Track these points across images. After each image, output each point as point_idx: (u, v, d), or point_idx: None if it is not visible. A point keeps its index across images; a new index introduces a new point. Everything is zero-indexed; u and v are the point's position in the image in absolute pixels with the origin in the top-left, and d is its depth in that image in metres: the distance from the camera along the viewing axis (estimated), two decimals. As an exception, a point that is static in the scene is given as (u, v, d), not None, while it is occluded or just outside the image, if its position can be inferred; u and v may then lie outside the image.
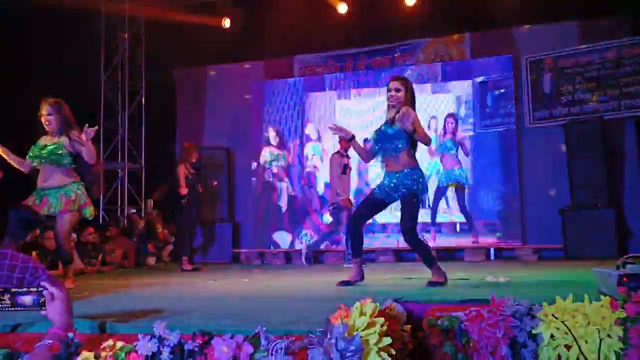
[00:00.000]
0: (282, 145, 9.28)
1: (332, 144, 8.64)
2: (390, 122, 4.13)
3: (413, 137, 4.08)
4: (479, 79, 8.49)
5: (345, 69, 9.22)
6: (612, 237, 6.71)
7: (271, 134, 9.29)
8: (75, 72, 8.31)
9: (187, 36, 8.94)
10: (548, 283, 3.97)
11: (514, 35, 8.43)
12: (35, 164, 4.55)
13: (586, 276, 3.77)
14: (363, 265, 4.32)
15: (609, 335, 1.88)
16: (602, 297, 2.02)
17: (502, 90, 8.35)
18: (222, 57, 9.49)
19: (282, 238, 9.15)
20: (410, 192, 4.00)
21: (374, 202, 4.19)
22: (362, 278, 4.20)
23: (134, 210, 9.75)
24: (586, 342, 1.91)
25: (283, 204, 9.22)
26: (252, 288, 4.46)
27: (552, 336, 1.93)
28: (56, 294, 1.80)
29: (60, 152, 4.50)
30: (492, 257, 8.04)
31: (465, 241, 8.20)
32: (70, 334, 1.75)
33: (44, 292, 1.82)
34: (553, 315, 1.97)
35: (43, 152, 4.50)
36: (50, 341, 1.71)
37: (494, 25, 8.40)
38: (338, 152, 7.16)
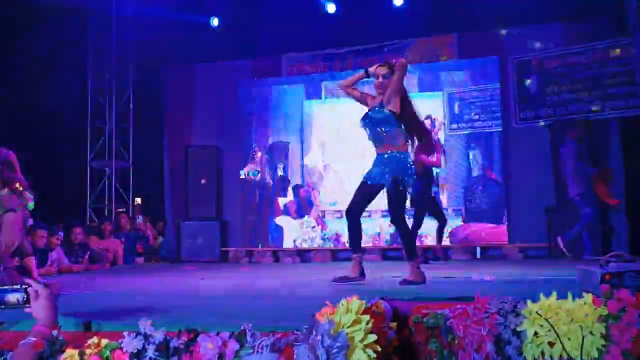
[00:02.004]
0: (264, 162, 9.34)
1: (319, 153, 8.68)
2: (378, 107, 4.09)
3: (402, 121, 4.05)
4: (466, 79, 8.54)
5: (334, 68, 9.23)
6: (597, 236, 6.79)
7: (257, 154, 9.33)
8: (63, 69, 8.25)
9: (176, 34, 8.90)
10: (532, 281, 4.01)
11: (501, 36, 8.48)
12: None
13: (570, 274, 3.81)
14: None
15: (591, 333, 1.90)
16: (585, 294, 2.04)
17: (488, 91, 8.41)
18: (210, 56, 9.46)
19: (287, 223, 9.14)
20: (394, 178, 3.94)
21: (365, 191, 4.10)
22: (363, 275, 4.06)
23: (123, 210, 9.69)
24: (569, 339, 1.93)
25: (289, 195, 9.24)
26: (239, 286, 4.45)
27: (535, 333, 1.95)
28: (41, 292, 1.80)
29: None
30: (479, 256, 8.10)
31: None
32: (55, 332, 1.75)
33: (29, 290, 1.81)
34: (537, 312, 1.99)
35: None
36: (34, 339, 1.70)
37: (481, 26, 8.45)
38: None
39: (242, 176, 9.38)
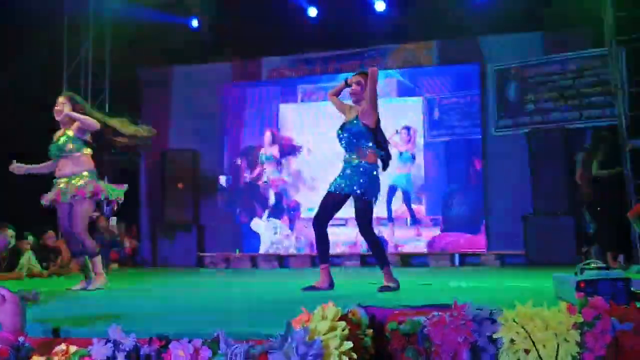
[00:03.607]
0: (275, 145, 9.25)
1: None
2: (354, 120, 4.12)
3: (375, 137, 4.09)
4: (445, 86, 8.61)
5: (314, 72, 9.23)
6: (572, 244, 6.87)
7: (267, 136, 9.23)
8: (36, 70, 8.09)
9: (154, 35, 8.80)
10: (509, 289, 4.03)
11: (481, 44, 8.57)
12: (53, 161, 4.60)
13: (546, 282, 3.84)
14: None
15: (566, 340, 1.91)
16: (560, 302, 2.05)
17: (467, 99, 8.48)
18: (189, 58, 9.38)
19: (260, 227, 9.09)
20: (362, 190, 3.96)
21: (332, 200, 4.09)
22: (332, 286, 4.01)
23: (98, 214, 9.54)
24: (544, 346, 1.94)
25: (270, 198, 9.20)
26: (214, 292, 4.40)
27: (512, 340, 1.95)
28: (7, 297, 1.74)
29: (68, 144, 4.52)
30: (457, 263, 8.14)
31: (411, 232, 8.50)
32: (21, 338, 1.69)
33: (-6, 295, 1.75)
34: (513, 320, 1.99)
35: (52, 147, 4.58)
36: (-1, 345, 1.65)
37: (461, 33, 8.53)
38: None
39: (247, 180, 9.29)
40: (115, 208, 4.72)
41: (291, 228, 8.99)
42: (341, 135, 4.16)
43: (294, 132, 9.16)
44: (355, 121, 4.11)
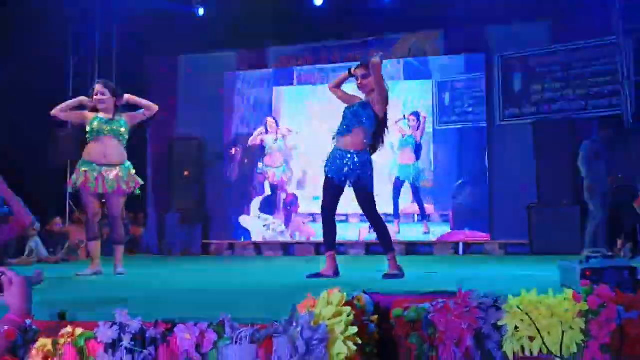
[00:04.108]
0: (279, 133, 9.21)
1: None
2: (366, 102, 4.11)
3: (378, 127, 4.10)
4: (451, 76, 8.56)
5: (320, 62, 9.20)
6: (577, 234, 6.85)
7: (270, 124, 9.19)
8: (43, 59, 8.10)
9: (160, 24, 8.78)
10: (514, 277, 4.03)
11: (487, 33, 8.51)
12: (94, 136, 4.59)
13: (550, 271, 3.84)
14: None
15: (571, 327, 1.91)
16: (565, 290, 2.05)
17: (473, 88, 8.44)
18: (195, 47, 9.35)
19: (251, 224, 9.08)
20: (358, 181, 3.98)
21: (334, 188, 4.09)
22: (337, 273, 4.02)
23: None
24: (549, 333, 1.94)
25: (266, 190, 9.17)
26: (220, 278, 4.42)
27: (516, 328, 1.95)
28: (14, 280, 1.75)
29: (123, 129, 4.62)
30: (461, 252, 8.14)
31: (418, 230, 8.41)
32: (28, 321, 1.71)
33: (2, 277, 1.76)
34: (518, 307, 1.99)
35: (107, 125, 4.57)
36: (6, 327, 1.66)
37: (468, 22, 8.46)
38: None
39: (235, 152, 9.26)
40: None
41: (287, 224, 8.98)
42: (348, 112, 4.14)
43: (298, 122, 9.12)
44: (364, 104, 4.11)
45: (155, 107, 4.82)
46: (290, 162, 9.11)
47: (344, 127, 4.12)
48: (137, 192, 4.76)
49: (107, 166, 4.56)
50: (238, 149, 9.32)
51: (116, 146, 4.62)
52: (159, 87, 9.71)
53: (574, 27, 7.92)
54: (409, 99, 8.67)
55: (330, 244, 4.12)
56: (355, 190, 4.05)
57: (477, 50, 8.47)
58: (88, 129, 4.63)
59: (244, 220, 9.09)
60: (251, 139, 9.23)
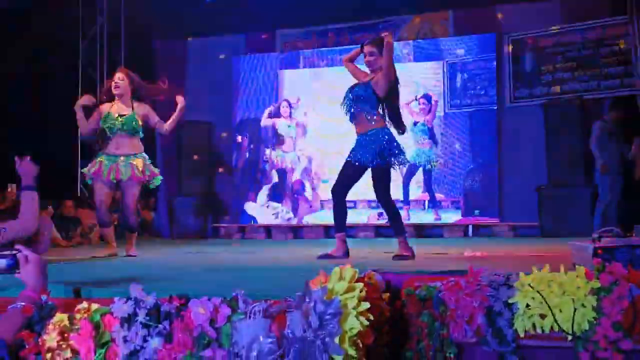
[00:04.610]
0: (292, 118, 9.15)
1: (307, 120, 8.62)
2: (365, 85, 4.11)
3: (383, 106, 4.09)
4: (461, 57, 8.49)
5: (328, 44, 9.14)
6: (587, 216, 6.82)
7: (283, 107, 9.12)
8: (52, 41, 8.11)
9: (169, 8, 8.75)
10: (524, 257, 4.03)
11: (497, 13, 8.42)
12: (108, 133, 4.66)
13: (561, 251, 3.83)
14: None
15: (583, 305, 1.91)
16: (577, 267, 2.04)
17: (482, 69, 8.37)
18: (203, 30, 9.33)
19: (257, 211, 9.11)
20: (380, 158, 3.97)
21: (350, 171, 4.10)
22: (347, 254, 4.05)
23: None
24: (560, 311, 1.94)
25: (274, 177, 9.16)
26: (231, 259, 4.45)
27: (527, 305, 1.95)
28: (30, 257, 1.78)
29: (135, 123, 4.66)
30: (470, 234, 8.13)
31: (428, 217, 8.36)
32: (44, 297, 1.73)
33: (18, 255, 1.79)
34: (529, 285, 1.99)
35: (118, 121, 4.61)
36: (23, 303, 1.69)
37: (477, 3, 8.37)
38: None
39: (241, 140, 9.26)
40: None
41: (294, 211, 8.98)
42: (347, 98, 4.16)
43: (307, 106, 9.09)
44: (365, 85, 4.11)
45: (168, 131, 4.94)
46: (299, 147, 9.08)
47: (348, 113, 4.15)
48: (156, 182, 4.83)
49: (122, 156, 4.63)
50: (245, 134, 9.31)
51: (129, 139, 4.69)
52: (168, 71, 9.71)
53: (584, 7, 7.82)
54: (421, 81, 8.60)
55: (340, 225, 4.15)
56: (373, 172, 4.05)
57: (487, 31, 8.39)
58: (101, 126, 4.69)
59: (248, 207, 9.11)
60: (262, 120, 9.19)
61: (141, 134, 4.79)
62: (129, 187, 4.66)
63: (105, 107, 4.75)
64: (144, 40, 9.44)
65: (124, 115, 4.65)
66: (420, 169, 8.41)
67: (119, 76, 4.74)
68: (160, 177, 4.90)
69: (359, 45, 4.28)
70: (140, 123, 4.73)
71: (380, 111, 4.12)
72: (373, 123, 4.06)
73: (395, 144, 4.06)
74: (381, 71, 4.07)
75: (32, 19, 7.72)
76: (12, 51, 7.58)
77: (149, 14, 8.77)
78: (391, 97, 4.15)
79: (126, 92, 4.73)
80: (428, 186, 8.40)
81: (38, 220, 2.60)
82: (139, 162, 4.67)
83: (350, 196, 4.30)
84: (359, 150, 4.06)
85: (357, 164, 4.06)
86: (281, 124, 9.08)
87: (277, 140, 9.11)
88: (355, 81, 4.30)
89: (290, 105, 9.06)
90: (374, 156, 3.98)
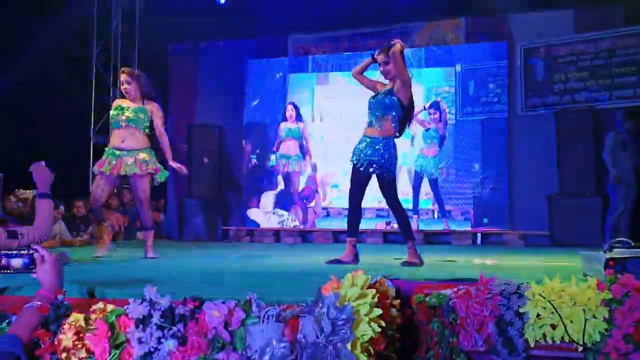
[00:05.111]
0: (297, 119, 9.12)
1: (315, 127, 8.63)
2: (387, 91, 4.11)
3: (404, 113, 4.09)
4: (471, 65, 8.48)
5: (340, 50, 9.17)
6: (598, 225, 6.78)
7: (289, 111, 9.10)
8: (67, 44, 8.19)
9: (182, 11, 8.81)
10: (534, 266, 4.01)
11: (510, 22, 8.41)
12: (113, 125, 4.70)
13: (572, 261, 3.82)
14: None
15: (594, 316, 1.90)
16: (589, 278, 2.04)
17: (495, 77, 8.35)
18: (216, 34, 9.39)
19: (260, 216, 9.12)
20: (384, 171, 3.98)
21: (360, 177, 4.09)
22: (356, 260, 4.05)
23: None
24: (572, 321, 1.93)
25: (280, 184, 9.17)
26: (243, 264, 4.46)
27: (538, 315, 1.95)
28: (47, 257, 1.80)
29: (142, 115, 4.64)
30: (479, 242, 8.10)
31: (438, 228, 8.32)
32: (60, 296, 1.75)
33: (35, 255, 1.81)
34: (540, 294, 1.99)
35: (123, 114, 4.62)
36: (39, 303, 1.71)
37: (490, 11, 8.36)
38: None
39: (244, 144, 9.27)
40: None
41: (303, 219, 8.96)
42: (372, 104, 4.14)
43: (318, 111, 9.11)
44: (388, 93, 4.10)
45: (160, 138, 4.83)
46: (306, 151, 9.08)
47: (372, 117, 4.12)
48: (161, 178, 4.77)
49: (127, 151, 4.61)
50: (252, 139, 9.33)
51: (133, 133, 4.65)
52: (181, 74, 9.79)
53: (597, 16, 7.80)
54: (433, 88, 8.60)
55: (352, 230, 4.15)
56: (380, 179, 4.06)
57: (499, 39, 8.38)
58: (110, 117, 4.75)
59: (251, 212, 9.12)
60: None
61: (147, 129, 4.74)
62: (137, 181, 4.63)
63: (117, 101, 4.84)
64: (157, 44, 9.51)
65: (131, 107, 4.67)
66: (425, 179, 8.37)
67: (126, 79, 4.73)
68: (167, 173, 4.86)
69: (370, 55, 4.25)
70: (148, 116, 4.71)
71: (399, 119, 4.11)
72: (389, 131, 4.07)
73: (396, 157, 4.09)
74: (397, 79, 4.08)
75: (48, 21, 7.80)
76: (26, 54, 7.66)
77: (161, 18, 8.83)
78: (412, 106, 4.15)
79: (137, 93, 4.74)
80: (436, 196, 8.35)
81: (51, 225, 2.62)
82: (144, 156, 4.64)
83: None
84: (366, 155, 4.04)
85: (361, 169, 4.05)
86: (286, 128, 9.08)
87: (281, 144, 9.10)
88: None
89: (296, 108, 9.04)
90: (380, 165, 3.99)
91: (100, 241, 4.79)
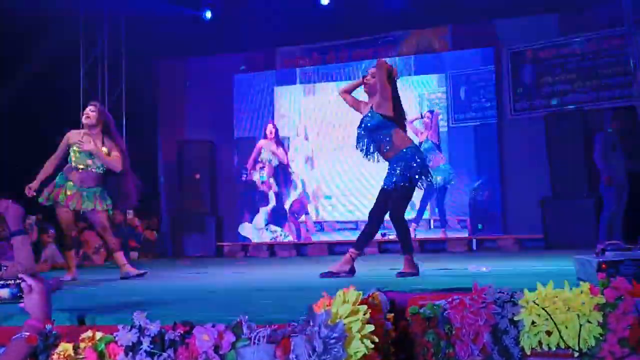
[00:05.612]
0: (278, 142, 9.17)
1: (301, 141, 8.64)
2: (370, 113, 4.10)
3: (397, 122, 4.08)
4: (460, 71, 8.52)
5: (328, 61, 9.19)
6: (592, 227, 6.79)
7: (269, 129, 9.16)
8: (53, 63, 8.16)
9: (169, 28, 8.83)
10: (529, 272, 4.01)
11: (496, 27, 8.47)
12: (74, 166, 4.79)
13: (566, 264, 3.81)
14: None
15: (588, 321, 1.90)
16: (582, 283, 2.04)
17: (483, 82, 8.40)
18: (204, 49, 9.40)
19: (252, 232, 9.11)
20: (402, 179, 3.95)
21: (382, 196, 4.10)
22: (353, 272, 4.03)
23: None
24: (566, 327, 1.93)
25: (271, 200, 9.17)
26: (235, 280, 4.44)
27: (533, 322, 1.94)
28: (34, 286, 1.78)
29: (99, 167, 4.80)
30: (475, 248, 8.10)
31: (435, 237, 8.32)
32: (49, 326, 1.73)
33: (22, 284, 1.79)
34: (534, 302, 1.98)
35: (82, 163, 4.75)
36: (27, 333, 1.68)
37: (475, 17, 8.42)
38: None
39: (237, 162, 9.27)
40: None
41: (296, 234, 8.95)
42: (362, 133, 4.13)
43: (306, 123, 9.11)
44: (370, 114, 4.09)
45: (116, 168, 4.89)
46: (292, 167, 9.08)
47: (372, 144, 4.11)
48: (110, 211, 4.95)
49: (83, 188, 4.77)
50: (243, 153, 9.33)
51: (92, 175, 4.80)
52: (169, 91, 9.78)
53: (582, 19, 7.87)
54: (425, 94, 8.63)
55: (360, 244, 4.13)
56: (395, 192, 4.01)
57: (486, 45, 8.43)
58: (69, 154, 4.82)
59: (243, 228, 9.10)
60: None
61: (102, 170, 4.85)
62: (93, 216, 4.83)
63: (74, 136, 4.84)
64: (144, 61, 9.50)
65: (91, 155, 4.75)
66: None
67: (90, 108, 4.87)
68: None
69: (362, 76, 4.25)
70: (98, 162, 4.81)
71: (399, 128, 4.10)
72: (398, 145, 4.04)
73: (422, 162, 4.05)
74: (378, 93, 4.08)
75: (33, 42, 7.78)
76: (13, 76, 7.63)
77: (148, 34, 8.84)
78: (400, 115, 4.14)
79: (96, 124, 4.82)
80: (440, 205, 8.33)
81: (32, 260, 2.59)
82: (102, 195, 4.83)
83: (352, 217, 4.30)
84: (392, 175, 4.02)
85: (384, 187, 4.05)
86: (266, 153, 9.11)
87: (262, 163, 9.13)
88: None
89: (276, 128, 9.10)
90: (402, 177, 3.96)
91: (71, 268, 4.88)
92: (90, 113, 4.81)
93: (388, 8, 8.72)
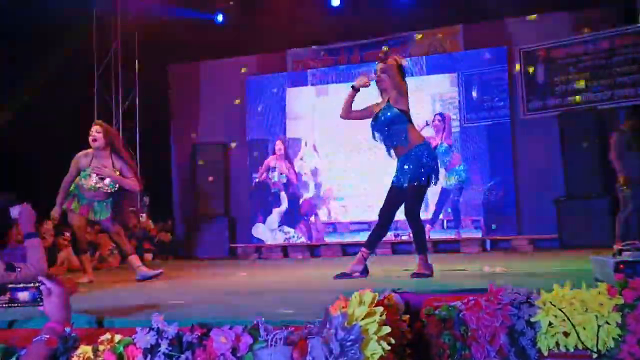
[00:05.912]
0: (287, 158, 9.17)
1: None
2: (386, 106, 4.09)
3: (410, 116, 4.08)
4: (472, 71, 8.48)
5: (339, 62, 9.20)
6: (607, 226, 6.73)
7: (278, 146, 9.16)
8: (67, 70, 8.24)
9: (181, 31, 8.89)
10: (545, 272, 3.98)
11: (507, 26, 8.42)
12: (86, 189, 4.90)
13: (582, 265, 3.79)
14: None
15: (607, 322, 1.89)
16: (599, 284, 2.02)
17: (495, 82, 8.35)
18: (216, 52, 9.45)
19: (265, 233, 9.13)
20: (415, 177, 3.95)
21: (393, 194, 4.09)
22: (366, 272, 4.06)
23: (132, 209, 9.69)
24: (584, 328, 1.92)
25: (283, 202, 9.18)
26: (250, 282, 4.45)
27: (550, 324, 1.93)
28: (54, 289, 1.80)
29: (109, 188, 4.86)
30: (488, 248, 8.06)
31: (449, 237, 8.26)
32: (68, 329, 1.75)
33: (42, 288, 1.81)
34: (551, 303, 1.97)
35: (91, 190, 4.85)
36: (47, 336, 1.70)
37: (487, 17, 8.38)
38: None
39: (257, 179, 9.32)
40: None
41: (308, 235, 8.96)
42: (376, 126, 4.13)
43: (319, 127, 9.12)
44: (387, 107, 4.09)
45: (133, 188, 5.01)
46: (303, 168, 9.09)
47: (385, 138, 4.11)
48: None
49: (94, 200, 4.91)
50: (257, 155, 9.35)
51: (103, 193, 4.89)
52: (182, 93, 9.85)
53: (594, 17, 7.80)
54: (437, 94, 8.59)
55: (371, 243, 4.16)
56: (408, 190, 4.01)
57: (498, 44, 8.38)
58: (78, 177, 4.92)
59: (256, 229, 9.10)
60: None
61: (113, 189, 4.91)
62: (107, 224, 4.98)
63: (83, 160, 4.88)
64: (157, 65, 9.58)
65: (99, 181, 4.82)
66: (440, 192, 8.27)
67: (96, 129, 4.89)
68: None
69: (351, 86, 4.24)
70: (111, 187, 4.88)
71: (413, 125, 4.10)
72: (411, 142, 4.03)
73: (432, 161, 4.05)
74: (390, 90, 4.08)
75: (48, 47, 7.86)
76: (27, 82, 7.71)
77: (161, 38, 8.90)
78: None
79: (104, 146, 4.86)
80: (454, 205, 8.29)
81: (45, 262, 2.63)
82: (111, 204, 4.95)
83: (365, 217, 4.30)
84: (398, 171, 4.05)
85: (395, 185, 4.05)
86: (273, 164, 9.14)
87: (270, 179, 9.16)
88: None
89: (285, 144, 9.11)
90: (415, 175, 3.96)
91: (88, 271, 5.05)
92: (96, 135, 4.83)
93: (399, 9, 8.72)
